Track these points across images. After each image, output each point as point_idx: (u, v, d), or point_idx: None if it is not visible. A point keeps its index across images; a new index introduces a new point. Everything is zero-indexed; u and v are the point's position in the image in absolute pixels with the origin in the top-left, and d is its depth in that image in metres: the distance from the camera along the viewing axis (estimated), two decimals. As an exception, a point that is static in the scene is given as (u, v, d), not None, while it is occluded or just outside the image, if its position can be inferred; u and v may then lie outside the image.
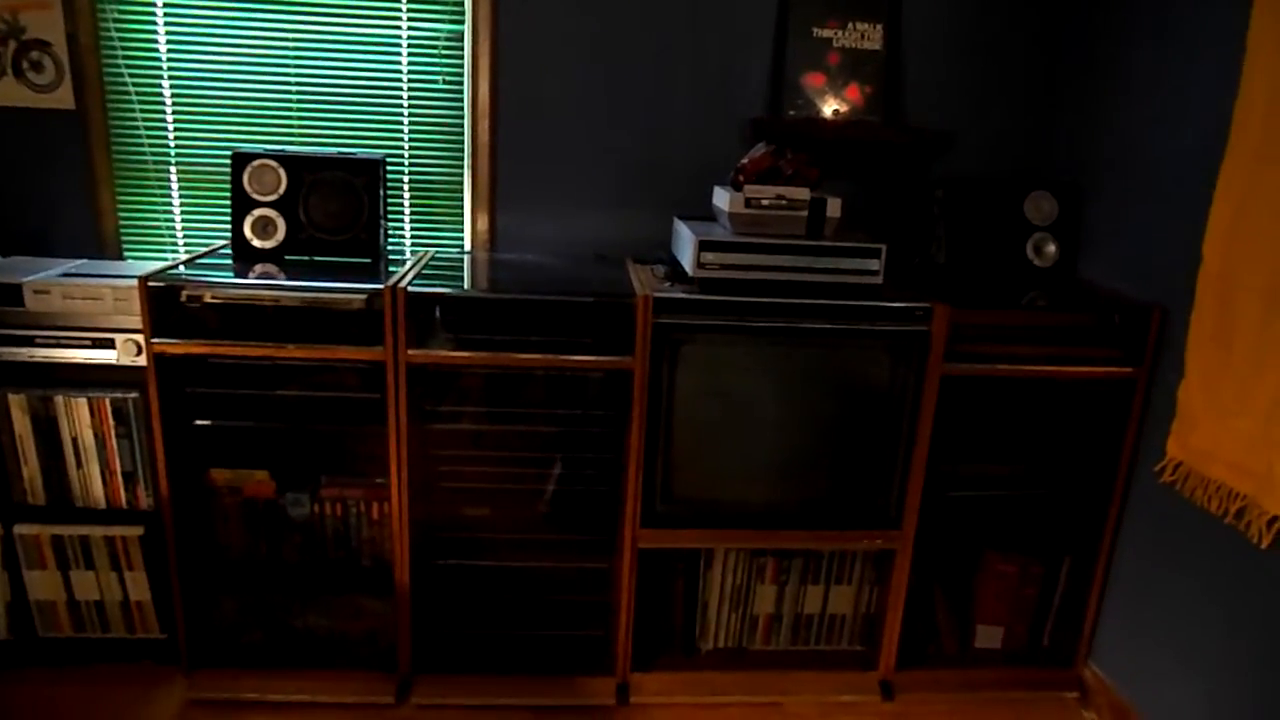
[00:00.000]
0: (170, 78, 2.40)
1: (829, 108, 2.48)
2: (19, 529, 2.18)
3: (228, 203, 2.30)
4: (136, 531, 2.20)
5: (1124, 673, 2.25)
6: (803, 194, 2.12)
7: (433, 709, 2.21)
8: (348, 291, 2.03)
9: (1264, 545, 1.77)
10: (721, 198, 2.20)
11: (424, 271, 2.22)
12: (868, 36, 2.46)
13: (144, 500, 2.19)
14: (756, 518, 2.22)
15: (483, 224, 2.53)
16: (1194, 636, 1.99)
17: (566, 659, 2.32)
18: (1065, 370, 2.17)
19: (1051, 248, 2.40)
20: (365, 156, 2.30)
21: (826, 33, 2.46)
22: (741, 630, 2.40)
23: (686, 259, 2.14)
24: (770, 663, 2.38)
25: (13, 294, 2.09)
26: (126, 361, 2.12)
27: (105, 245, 2.46)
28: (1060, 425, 2.29)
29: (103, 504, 2.19)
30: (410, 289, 2.02)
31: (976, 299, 2.20)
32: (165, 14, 2.35)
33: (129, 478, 2.17)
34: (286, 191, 2.25)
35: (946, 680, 2.38)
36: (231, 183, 2.24)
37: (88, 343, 2.12)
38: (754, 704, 2.30)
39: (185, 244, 2.52)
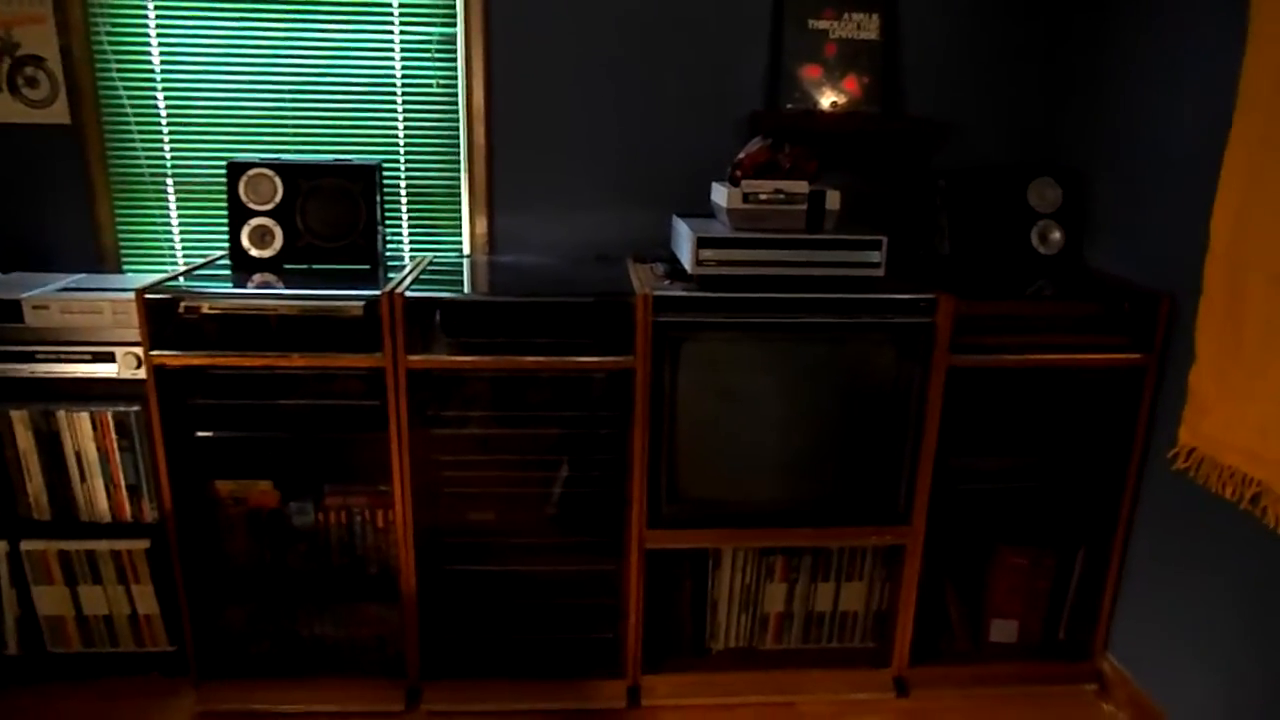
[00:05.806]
0: (164, 89, 2.40)
1: (827, 100, 2.46)
2: (25, 545, 2.18)
3: (225, 213, 2.29)
4: (142, 545, 2.19)
5: (1143, 663, 2.21)
6: (801, 188, 2.09)
7: (442, 715, 2.20)
8: (346, 299, 2.02)
9: (1281, 532, 1.74)
10: (720, 193, 2.18)
11: (422, 276, 2.21)
12: (864, 27, 2.43)
13: (149, 513, 2.18)
14: (764, 516, 2.20)
15: (481, 227, 2.52)
16: (1213, 624, 1.96)
17: (576, 662, 2.31)
18: (1074, 359, 2.13)
19: (1056, 235, 2.37)
20: (361, 163, 2.29)
21: (823, 24, 2.43)
22: (752, 630, 2.38)
23: (686, 256, 2.12)
24: (782, 662, 2.36)
25: (12, 310, 2.08)
26: (127, 374, 2.11)
27: (104, 259, 2.46)
28: (1070, 415, 2.26)
29: (108, 518, 2.18)
30: (409, 294, 2.00)
31: (982, 289, 2.17)
32: (158, 26, 2.35)
33: (133, 491, 2.17)
34: (283, 200, 2.24)
35: (961, 675, 2.35)
36: (228, 192, 2.24)
37: (88, 357, 2.12)
38: (766, 704, 2.28)
39: (184, 255, 2.51)
